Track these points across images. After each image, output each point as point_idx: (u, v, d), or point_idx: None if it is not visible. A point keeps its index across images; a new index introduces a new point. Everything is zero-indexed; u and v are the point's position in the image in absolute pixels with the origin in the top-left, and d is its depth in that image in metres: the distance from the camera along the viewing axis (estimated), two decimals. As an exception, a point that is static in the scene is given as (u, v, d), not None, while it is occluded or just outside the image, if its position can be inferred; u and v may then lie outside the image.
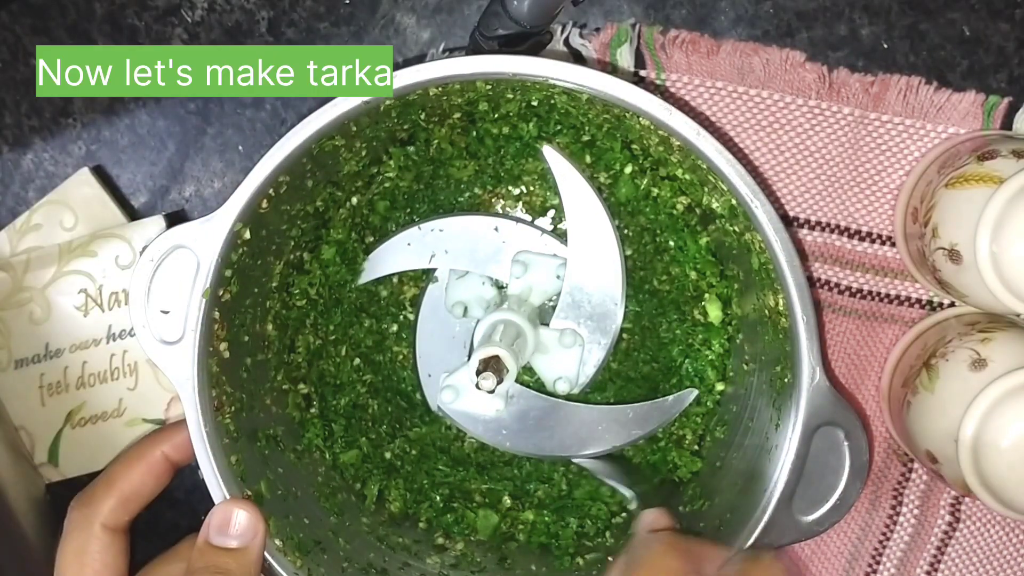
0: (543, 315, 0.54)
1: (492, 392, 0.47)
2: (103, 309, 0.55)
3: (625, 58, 0.53)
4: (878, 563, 0.57)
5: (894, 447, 0.56)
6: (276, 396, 0.51)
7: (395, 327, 0.57)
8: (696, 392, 0.53)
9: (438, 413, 0.55)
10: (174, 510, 0.57)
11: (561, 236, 0.54)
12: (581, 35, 0.54)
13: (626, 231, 0.54)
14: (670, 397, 0.53)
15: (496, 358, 0.48)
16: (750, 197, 0.43)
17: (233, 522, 0.44)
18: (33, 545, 0.54)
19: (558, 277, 0.53)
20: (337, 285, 0.54)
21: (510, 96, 0.48)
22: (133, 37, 0.56)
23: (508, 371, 0.48)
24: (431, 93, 0.45)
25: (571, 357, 0.53)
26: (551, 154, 0.51)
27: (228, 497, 0.45)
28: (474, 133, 0.52)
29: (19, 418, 0.55)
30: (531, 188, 0.55)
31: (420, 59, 0.55)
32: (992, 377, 0.46)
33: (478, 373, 0.47)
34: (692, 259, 0.52)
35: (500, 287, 0.54)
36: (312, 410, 0.53)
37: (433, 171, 0.54)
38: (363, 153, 0.50)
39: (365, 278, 0.54)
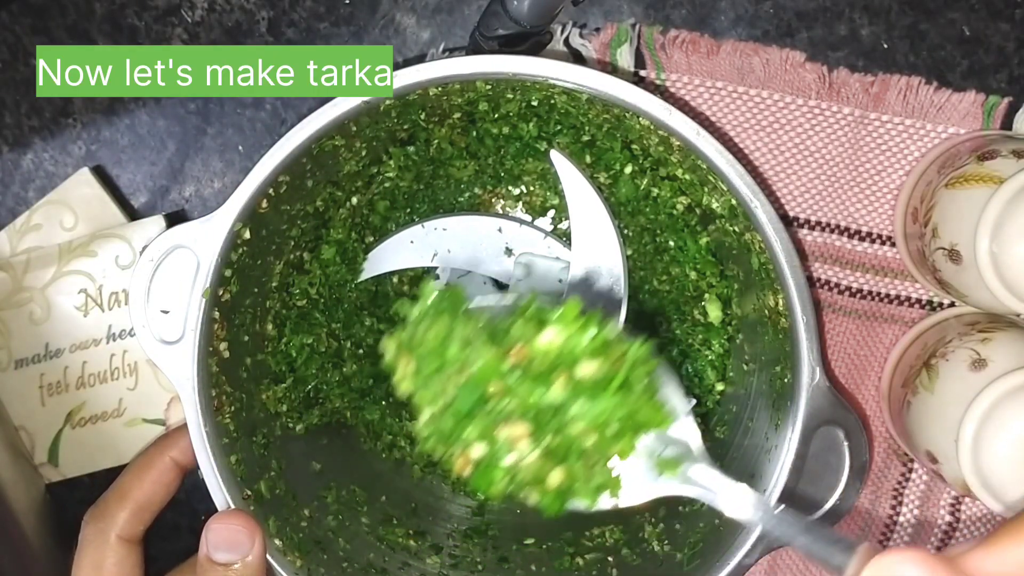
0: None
1: None
2: (103, 309, 0.55)
3: (625, 58, 0.53)
4: (878, 563, 0.57)
5: (894, 447, 0.56)
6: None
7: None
8: (694, 402, 0.53)
9: None
10: (174, 510, 0.57)
11: (562, 237, 0.54)
12: (581, 35, 0.54)
13: (626, 231, 0.53)
14: None
15: None
16: (750, 197, 0.43)
17: (231, 536, 0.43)
18: (33, 545, 0.54)
19: (560, 281, 0.53)
20: (337, 285, 0.54)
21: (510, 96, 0.48)
22: (133, 37, 0.56)
23: None
24: (431, 93, 0.45)
25: None
26: (559, 160, 0.51)
27: (228, 498, 0.45)
28: (474, 133, 0.52)
29: (19, 418, 0.55)
30: (531, 188, 0.55)
31: (420, 59, 0.55)
32: (992, 377, 0.46)
33: None
34: (692, 259, 0.52)
35: (501, 287, 0.54)
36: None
37: (433, 171, 0.54)
38: (363, 153, 0.50)
39: (367, 274, 0.54)
